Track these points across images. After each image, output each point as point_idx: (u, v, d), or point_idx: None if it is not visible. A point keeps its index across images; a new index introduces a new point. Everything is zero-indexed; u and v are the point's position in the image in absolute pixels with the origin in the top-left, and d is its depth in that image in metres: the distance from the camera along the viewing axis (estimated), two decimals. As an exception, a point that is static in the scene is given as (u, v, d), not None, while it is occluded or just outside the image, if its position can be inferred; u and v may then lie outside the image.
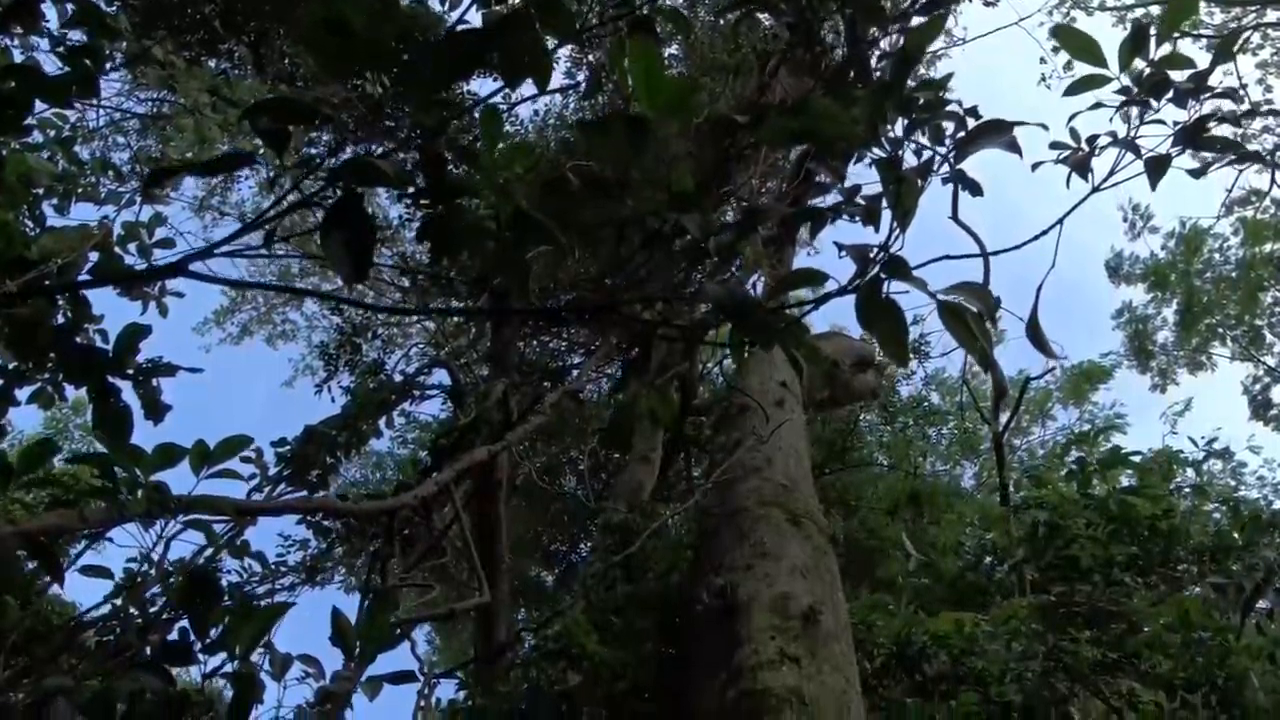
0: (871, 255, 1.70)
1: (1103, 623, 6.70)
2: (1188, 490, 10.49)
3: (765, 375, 9.47)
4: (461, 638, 16.57)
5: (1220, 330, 19.20)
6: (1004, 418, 16.83)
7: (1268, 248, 18.43)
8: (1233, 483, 14.90)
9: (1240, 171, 17.76)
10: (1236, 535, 5.50)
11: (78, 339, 4.64)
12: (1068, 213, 2.24)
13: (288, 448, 7.96)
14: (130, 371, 4.65)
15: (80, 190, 7.47)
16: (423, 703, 5.30)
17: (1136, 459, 7.09)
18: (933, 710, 5.87)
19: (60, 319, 4.67)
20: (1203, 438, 7.30)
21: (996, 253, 1.94)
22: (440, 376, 10.03)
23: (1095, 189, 2.22)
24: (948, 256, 1.92)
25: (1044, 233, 2.26)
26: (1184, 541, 6.70)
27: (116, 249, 6.60)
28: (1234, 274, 18.72)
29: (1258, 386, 19.29)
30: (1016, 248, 2.19)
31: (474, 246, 1.74)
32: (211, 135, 8.02)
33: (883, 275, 1.70)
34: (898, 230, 1.76)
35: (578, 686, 6.25)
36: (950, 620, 7.17)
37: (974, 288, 1.71)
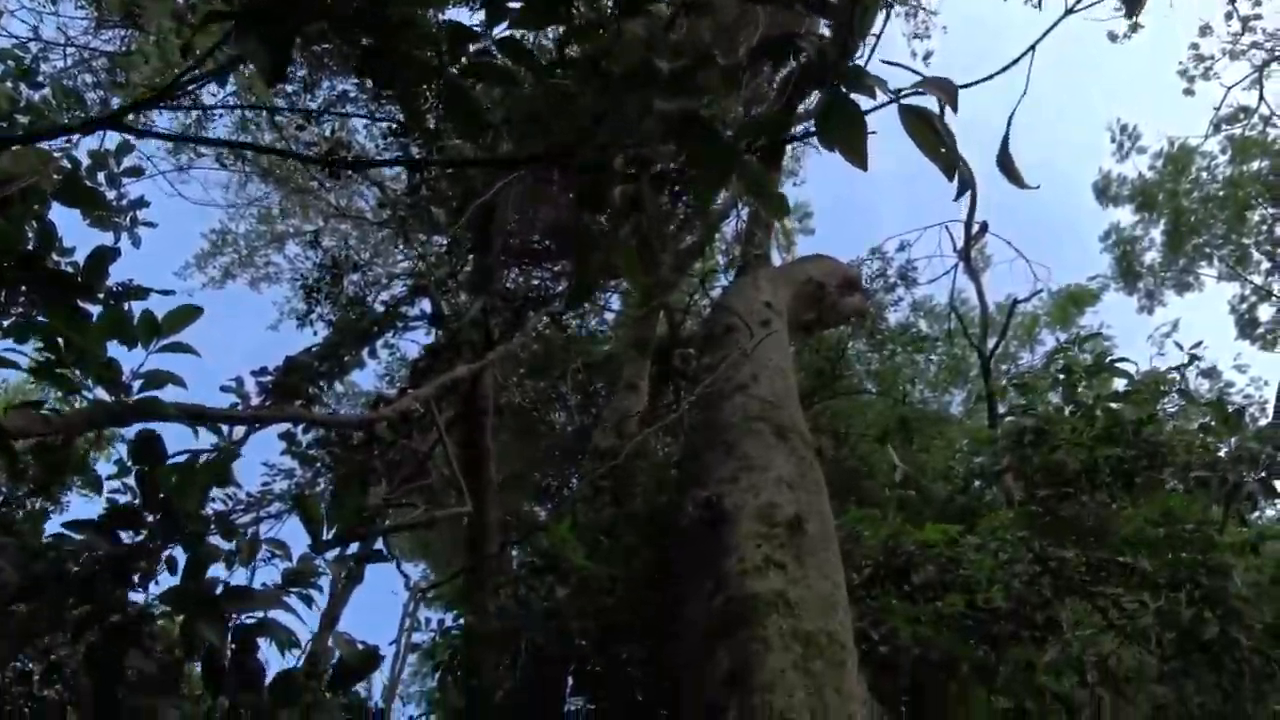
0: (831, 61, 1.61)
1: (1089, 534, 6.71)
2: (1174, 404, 10.51)
3: (750, 296, 9.40)
4: (455, 566, 16.65)
5: (1208, 250, 19.14)
6: (991, 341, 16.86)
7: (1255, 165, 18.31)
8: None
9: (1228, 89, 17.64)
10: (1221, 431, 5.49)
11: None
12: (1040, 38, 2.16)
13: (269, 377, 7.89)
14: (101, 295, 4.56)
15: (44, 118, 7.29)
16: (409, 621, 5.28)
17: (1123, 364, 7.05)
18: (919, 612, 5.89)
19: (29, 249, 4.57)
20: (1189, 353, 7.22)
21: (966, 85, 1.84)
22: (423, 308, 9.95)
23: (1070, 10, 2.13)
24: (913, 89, 1.83)
25: (1014, 62, 2.18)
26: (1170, 454, 6.71)
27: (85, 180, 6.45)
28: (1221, 193, 18.62)
29: (1244, 305, 19.30)
30: (989, 78, 2.10)
31: (418, 81, 1.65)
32: (176, 60, 7.81)
33: (841, 86, 1.61)
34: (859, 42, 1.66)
35: (566, 600, 6.25)
36: (938, 530, 7.19)
37: (935, 80, 1.63)
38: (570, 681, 7.50)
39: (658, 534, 7.23)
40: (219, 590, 2.36)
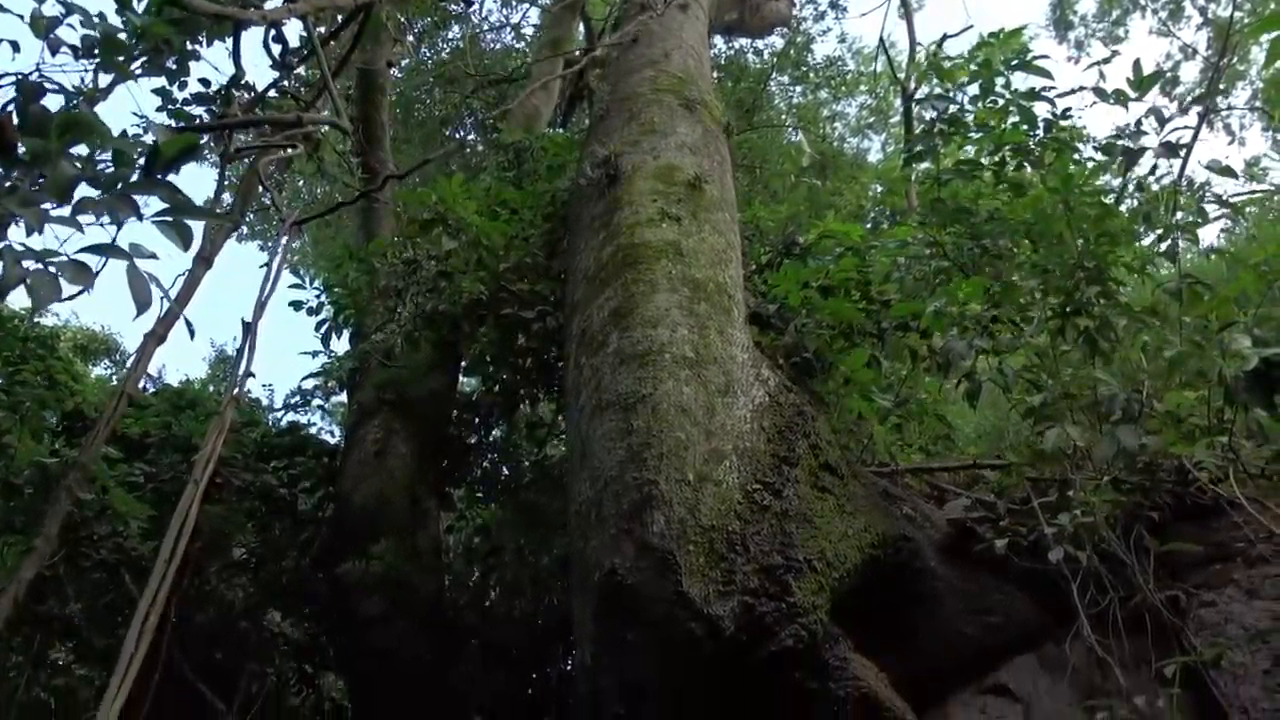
0: None
1: (988, 219, 6.68)
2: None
3: (668, -21, 8.81)
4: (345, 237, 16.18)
5: (1143, 2, 18.68)
6: (914, 83, 16.52)
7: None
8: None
9: None
10: (1134, 90, 5.31)
11: None
12: None
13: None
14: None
15: None
16: (280, 254, 5.05)
17: (1042, 61, 6.83)
18: (809, 274, 5.88)
19: None
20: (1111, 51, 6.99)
21: None
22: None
23: None
24: None
25: None
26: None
27: None
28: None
29: (1170, 64, 19.12)
30: None
31: None
32: None
33: None
34: None
35: (457, 256, 6.05)
36: (841, 226, 7.11)
37: None
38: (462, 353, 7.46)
39: (557, 214, 7.01)
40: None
